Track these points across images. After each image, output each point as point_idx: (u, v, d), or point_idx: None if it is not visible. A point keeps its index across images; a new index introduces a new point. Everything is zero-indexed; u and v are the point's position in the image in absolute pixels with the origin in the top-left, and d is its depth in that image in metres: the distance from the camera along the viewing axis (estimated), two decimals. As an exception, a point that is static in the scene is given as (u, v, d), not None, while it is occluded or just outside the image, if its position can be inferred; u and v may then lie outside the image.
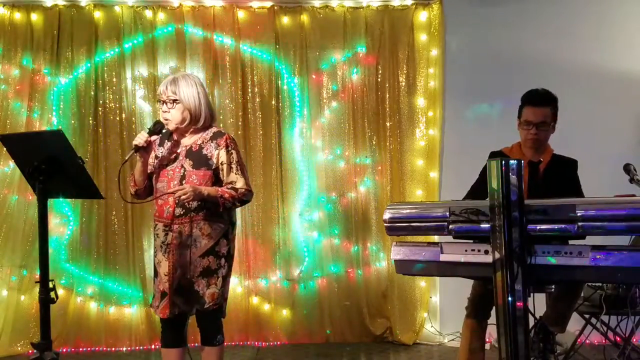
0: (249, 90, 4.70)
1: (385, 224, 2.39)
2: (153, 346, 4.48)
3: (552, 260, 2.13)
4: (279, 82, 4.71)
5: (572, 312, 3.20)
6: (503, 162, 2.11)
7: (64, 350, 4.45)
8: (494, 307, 2.24)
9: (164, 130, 2.93)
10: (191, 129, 2.94)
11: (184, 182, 2.82)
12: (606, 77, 4.61)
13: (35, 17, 4.61)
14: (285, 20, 4.72)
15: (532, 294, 2.27)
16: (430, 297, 4.73)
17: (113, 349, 4.54)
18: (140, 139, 2.83)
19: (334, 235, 4.73)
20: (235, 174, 2.88)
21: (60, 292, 4.35)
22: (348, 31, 4.72)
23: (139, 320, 4.58)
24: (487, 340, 3.88)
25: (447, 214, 2.26)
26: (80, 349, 4.52)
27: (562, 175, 3.14)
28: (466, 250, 2.28)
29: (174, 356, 2.97)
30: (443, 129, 4.75)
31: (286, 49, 4.72)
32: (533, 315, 2.81)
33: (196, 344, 2.96)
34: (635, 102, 4.62)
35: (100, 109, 4.63)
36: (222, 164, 2.89)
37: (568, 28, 4.65)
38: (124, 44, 4.63)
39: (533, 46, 4.64)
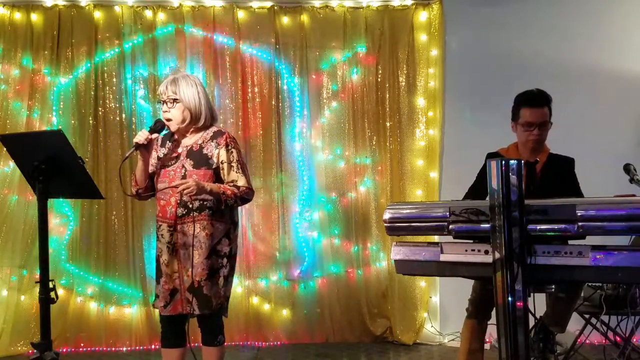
0: (249, 90, 4.70)
1: (385, 224, 2.38)
2: (153, 346, 4.49)
3: (552, 261, 2.13)
4: (279, 82, 4.72)
5: (572, 312, 3.20)
6: (503, 162, 2.11)
7: (64, 350, 4.45)
8: (494, 308, 2.24)
9: (164, 130, 2.93)
10: (192, 129, 2.94)
11: (177, 193, 2.81)
12: (606, 77, 4.61)
13: (35, 17, 4.62)
14: (285, 20, 4.73)
15: (532, 294, 2.27)
16: (430, 297, 4.74)
17: (113, 349, 4.54)
18: (141, 136, 2.83)
19: (334, 235, 4.73)
20: (236, 172, 2.89)
21: (60, 292, 4.35)
22: (348, 31, 4.72)
23: (139, 320, 4.58)
24: (487, 340, 3.89)
25: (447, 214, 2.25)
26: (80, 349, 4.53)
27: (559, 174, 3.13)
28: (466, 250, 2.28)
29: (174, 356, 2.97)
30: (443, 129, 4.75)
31: (286, 49, 4.73)
32: (533, 315, 2.80)
33: (196, 344, 2.95)
34: (635, 102, 4.63)
35: (100, 109, 4.63)
36: (222, 163, 2.89)
37: (568, 28, 4.66)
38: (124, 44, 4.64)
39: (533, 46, 4.64)
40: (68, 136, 2.89)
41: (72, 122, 4.62)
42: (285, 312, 4.69)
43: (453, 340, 4.58)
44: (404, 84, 4.72)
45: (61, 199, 4.39)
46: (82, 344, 4.54)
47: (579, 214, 2.05)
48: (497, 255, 2.12)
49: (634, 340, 3.82)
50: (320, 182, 4.74)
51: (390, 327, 4.67)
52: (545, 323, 3.16)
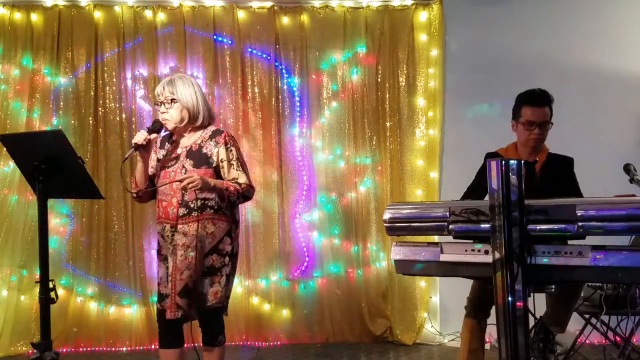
0: (249, 90, 4.70)
1: (385, 224, 2.38)
2: (153, 346, 4.49)
3: (552, 261, 2.13)
4: (279, 82, 4.72)
5: (572, 312, 3.20)
6: (503, 162, 2.11)
7: (64, 350, 4.45)
8: (493, 307, 2.23)
9: (163, 131, 2.93)
10: (190, 129, 2.94)
11: (181, 187, 2.81)
12: (606, 77, 4.61)
13: (35, 17, 4.62)
14: (285, 20, 4.73)
15: (532, 294, 2.27)
16: (430, 297, 4.74)
17: (113, 349, 4.54)
18: (140, 137, 2.83)
19: (334, 235, 4.73)
20: (237, 170, 2.89)
21: (60, 292, 4.35)
22: (348, 31, 4.72)
23: (139, 320, 4.58)
24: (487, 340, 3.89)
25: (447, 214, 2.25)
26: (80, 349, 4.53)
27: (558, 173, 3.13)
28: (466, 250, 2.28)
29: (172, 357, 2.96)
30: (443, 129, 4.75)
31: (286, 49, 4.73)
32: (533, 315, 2.80)
33: (196, 344, 2.95)
34: (635, 102, 4.63)
35: (100, 109, 4.63)
36: (222, 161, 2.89)
37: (568, 28, 4.66)
38: (124, 44, 4.63)
39: (533, 46, 4.64)
40: (68, 136, 2.89)
41: (72, 122, 4.62)
42: (285, 312, 4.69)
43: (453, 340, 4.58)
44: (404, 84, 4.72)
45: (61, 199, 4.39)
46: (82, 344, 4.54)
47: (579, 214, 2.05)
48: (497, 255, 2.12)
49: (634, 340, 3.82)
50: (320, 182, 4.74)
51: (390, 327, 4.67)
52: (545, 323, 3.16)
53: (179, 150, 2.93)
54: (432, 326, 4.70)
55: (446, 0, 4.69)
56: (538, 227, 2.11)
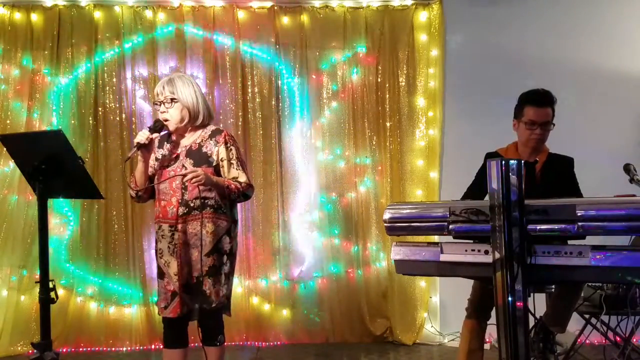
0: (249, 90, 4.70)
1: (385, 224, 2.38)
2: (153, 346, 4.49)
3: (552, 261, 2.13)
4: (279, 82, 4.72)
5: (572, 312, 3.20)
6: (503, 162, 2.11)
7: (64, 350, 4.45)
8: (494, 308, 2.24)
9: (164, 130, 2.93)
10: (190, 128, 2.94)
11: (185, 181, 2.82)
12: (606, 77, 4.61)
13: (35, 17, 4.62)
14: (285, 20, 4.73)
15: (532, 294, 2.27)
16: (430, 297, 4.74)
17: (113, 349, 4.54)
18: (142, 136, 2.83)
19: (334, 235, 4.73)
20: (237, 169, 2.91)
21: (60, 292, 4.35)
22: (348, 31, 4.72)
23: (139, 320, 4.58)
24: (487, 340, 3.89)
25: (447, 214, 2.25)
26: (80, 349, 4.52)
27: (558, 173, 3.13)
28: (466, 250, 2.28)
29: (177, 356, 2.97)
30: (443, 129, 4.75)
31: (286, 49, 4.73)
32: (533, 315, 2.80)
33: (196, 345, 2.95)
34: (635, 102, 4.63)
35: (100, 109, 4.63)
36: (222, 160, 2.90)
37: (568, 28, 4.66)
38: (124, 44, 4.64)
39: (533, 46, 4.64)
40: (68, 136, 2.89)
41: (72, 122, 4.62)
42: (285, 312, 4.69)
43: (453, 340, 4.58)
44: (404, 84, 4.72)
45: (61, 199, 4.39)
46: (82, 344, 4.53)
47: (579, 214, 2.05)
48: (497, 255, 2.12)
49: (634, 340, 3.82)
50: (320, 182, 4.74)
51: (390, 327, 4.67)
52: (545, 323, 3.16)
53: (178, 150, 2.94)
54: (432, 326, 4.70)
55: (446, 0, 4.69)
56: (538, 227, 2.12)
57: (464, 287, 3.17)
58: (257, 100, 4.70)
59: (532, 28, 4.68)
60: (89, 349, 4.53)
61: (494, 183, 2.13)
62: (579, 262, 2.09)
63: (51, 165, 2.70)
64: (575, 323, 3.48)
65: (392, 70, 4.72)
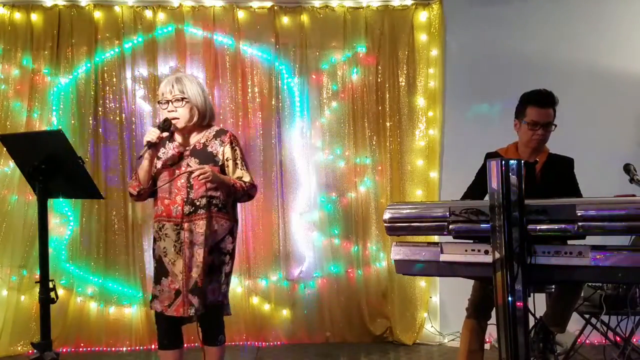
0: (249, 90, 4.70)
1: (385, 224, 2.39)
2: (153, 346, 4.48)
3: (552, 261, 2.13)
4: (279, 82, 4.72)
5: (572, 312, 3.20)
6: (503, 162, 2.12)
7: (64, 350, 4.45)
8: (494, 308, 2.24)
9: (172, 129, 2.94)
10: (196, 127, 2.95)
11: (191, 179, 2.83)
12: (606, 76, 4.61)
13: (35, 17, 4.61)
14: (285, 20, 4.73)
15: (532, 294, 2.27)
16: (430, 297, 4.73)
17: (113, 349, 4.54)
18: (153, 135, 2.84)
19: (334, 235, 4.73)
20: (241, 169, 2.95)
21: (60, 292, 4.35)
22: (348, 31, 4.72)
23: (139, 320, 4.58)
24: (487, 340, 3.89)
25: (447, 214, 2.25)
26: (80, 349, 4.52)
27: (558, 174, 3.14)
28: (466, 250, 2.28)
29: (173, 358, 2.97)
30: (443, 129, 4.75)
31: (286, 49, 4.73)
32: (533, 315, 2.81)
33: (195, 345, 2.95)
34: (635, 102, 4.63)
35: (100, 109, 4.63)
36: (227, 160, 2.94)
37: (568, 28, 4.66)
38: (124, 44, 4.63)
39: (533, 46, 4.64)
40: (68, 136, 2.89)
41: (72, 122, 4.62)
42: (285, 312, 4.69)
43: (453, 340, 4.58)
44: (404, 84, 4.72)
45: (61, 199, 4.39)
46: (82, 344, 4.53)
47: (579, 214, 2.05)
48: (497, 255, 2.12)
49: (634, 340, 3.82)
50: (320, 182, 4.74)
51: (390, 327, 4.67)
52: (545, 323, 3.16)
53: (182, 149, 2.94)
54: (432, 326, 4.70)
55: (446, 0, 4.69)
56: (538, 227, 2.12)
57: (464, 287, 3.17)
58: (257, 100, 4.70)
59: (532, 28, 4.68)
60: (89, 349, 4.53)
61: (494, 183, 2.13)
62: (579, 262, 2.09)
63: (51, 165, 2.70)
64: (575, 323, 3.48)
65: (392, 70, 4.72)
